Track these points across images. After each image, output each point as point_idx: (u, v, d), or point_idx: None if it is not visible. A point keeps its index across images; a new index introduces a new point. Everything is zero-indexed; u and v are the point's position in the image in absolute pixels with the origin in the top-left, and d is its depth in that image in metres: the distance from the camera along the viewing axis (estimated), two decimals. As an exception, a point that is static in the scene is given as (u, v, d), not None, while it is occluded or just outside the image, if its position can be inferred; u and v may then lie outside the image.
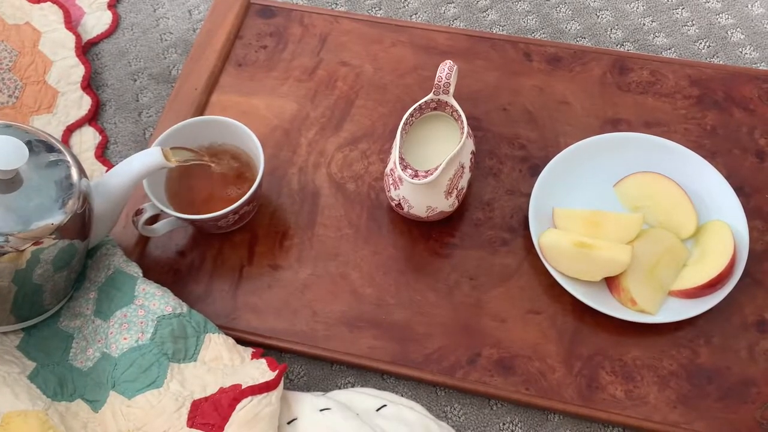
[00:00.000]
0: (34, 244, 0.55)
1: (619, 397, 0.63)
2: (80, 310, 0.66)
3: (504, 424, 0.64)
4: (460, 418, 0.64)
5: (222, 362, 0.62)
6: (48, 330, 0.65)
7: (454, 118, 0.70)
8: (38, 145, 0.58)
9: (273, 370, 0.57)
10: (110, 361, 0.61)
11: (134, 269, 0.66)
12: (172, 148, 0.63)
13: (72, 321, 0.65)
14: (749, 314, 0.67)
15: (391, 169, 0.67)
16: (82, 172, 0.59)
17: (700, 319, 0.66)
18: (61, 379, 0.63)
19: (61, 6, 0.84)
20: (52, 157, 0.58)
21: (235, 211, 0.66)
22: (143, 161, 0.61)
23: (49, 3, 0.84)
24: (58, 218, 0.56)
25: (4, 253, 0.55)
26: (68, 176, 0.58)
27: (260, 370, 0.57)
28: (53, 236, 0.56)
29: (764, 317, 0.66)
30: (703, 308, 0.64)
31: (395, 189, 0.67)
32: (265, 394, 0.54)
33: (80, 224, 0.59)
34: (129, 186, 0.62)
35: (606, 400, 0.63)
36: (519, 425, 0.64)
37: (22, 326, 0.63)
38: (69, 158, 0.59)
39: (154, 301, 0.63)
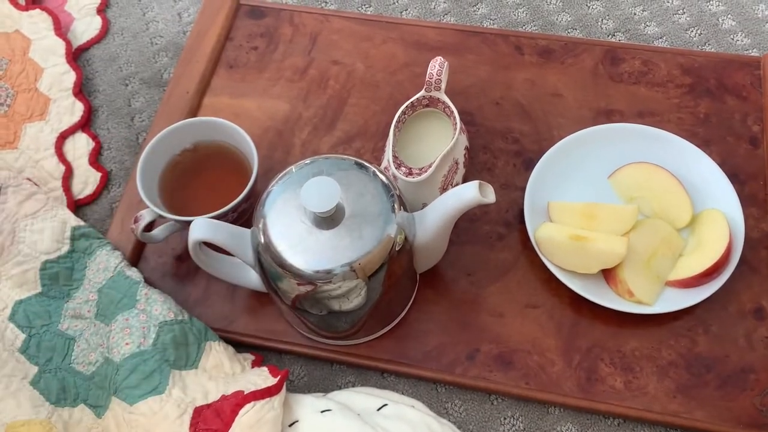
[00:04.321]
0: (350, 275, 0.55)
1: (618, 389, 0.64)
2: (80, 311, 0.66)
3: (505, 418, 0.64)
4: (461, 414, 0.65)
5: (223, 370, 0.62)
6: (49, 333, 0.65)
7: (447, 114, 0.70)
8: (360, 176, 0.58)
9: (275, 376, 0.57)
10: (112, 365, 0.61)
11: (135, 273, 0.66)
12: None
13: (73, 323, 0.65)
14: (746, 302, 0.67)
15: (385, 168, 0.67)
16: (402, 206, 0.58)
17: (698, 309, 0.66)
18: (63, 384, 0.63)
19: (50, 13, 0.84)
20: (373, 188, 0.57)
21: (234, 209, 0.66)
22: (458, 195, 0.58)
23: (38, 10, 0.83)
24: (373, 252, 0.55)
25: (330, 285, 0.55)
26: (388, 209, 0.56)
27: (262, 377, 0.57)
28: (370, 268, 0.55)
29: (761, 304, 0.67)
30: (700, 297, 0.64)
31: (390, 187, 0.67)
32: (268, 399, 0.54)
33: (401, 257, 0.58)
34: (444, 220, 0.58)
35: (606, 392, 0.64)
36: (520, 419, 0.64)
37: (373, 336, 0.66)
38: (392, 189, 0.58)
39: (156, 306, 0.63)
